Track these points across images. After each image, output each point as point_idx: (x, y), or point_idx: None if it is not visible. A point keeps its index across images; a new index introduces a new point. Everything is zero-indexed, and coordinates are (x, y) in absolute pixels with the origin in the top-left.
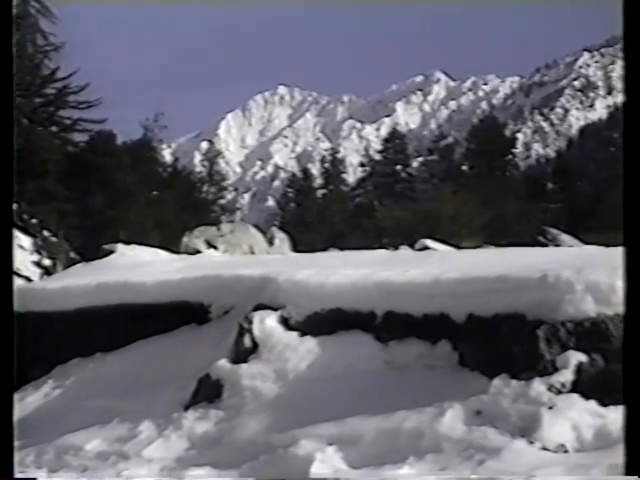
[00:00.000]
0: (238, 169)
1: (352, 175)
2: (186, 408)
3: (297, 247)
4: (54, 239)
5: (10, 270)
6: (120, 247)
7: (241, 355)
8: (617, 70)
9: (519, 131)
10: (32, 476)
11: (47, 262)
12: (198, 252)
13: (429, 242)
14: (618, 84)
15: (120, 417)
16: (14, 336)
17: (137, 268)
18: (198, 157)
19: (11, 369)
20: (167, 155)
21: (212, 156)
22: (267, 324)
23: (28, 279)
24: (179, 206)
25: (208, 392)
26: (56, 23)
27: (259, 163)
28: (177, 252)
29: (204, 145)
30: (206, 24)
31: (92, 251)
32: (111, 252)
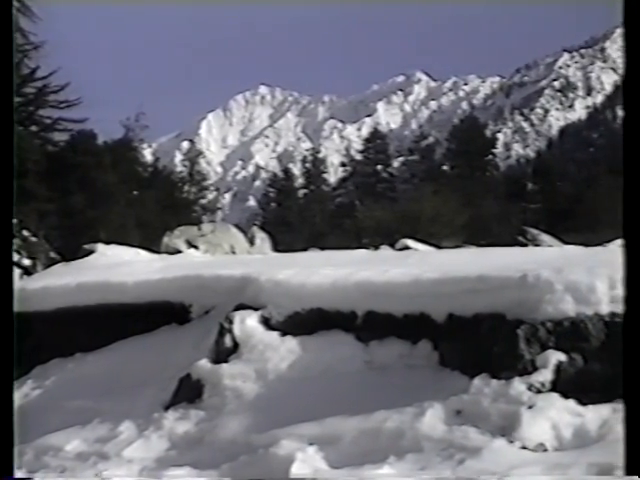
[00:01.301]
0: (219, 169)
1: (333, 175)
2: (166, 408)
3: (278, 247)
4: (34, 239)
5: (10, 270)
6: (100, 247)
7: (222, 355)
8: (596, 71)
9: (499, 131)
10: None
11: (27, 262)
12: (179, 252)
13: (409, 242)
14: (597, 85)
15: (100, 417)
16: (14, 337)
17: (117, 268)
18: (179, 157)
19: (11, 369)
20: (148, 155)
21: (193, 156)
22: (248, 324)
23: None
24: (160, 206)
25: (189, 392)
26: (36, 22)
27: (240, 163)
28: (158, 252)
29: (185, 145)
30: (187, 24)
31: (72, 251)
32: (91, 252)
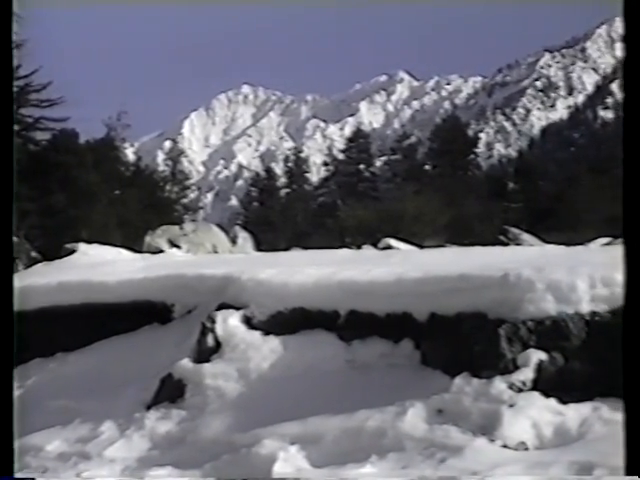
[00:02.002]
0: (201, 168)
1: (315, 174)
2: (148, 408)
3: (260, 246)
4: (15, 238)
5: (10, 270)
6: (82, 246)
7: (204, 354)
8: (577, 71)
9: (481, 131)
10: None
11: None
12: (161, 251)
13: (392, 241)
14: (578, 85)
15: (81, 417)
16: (14, 337)
17: (99, 267)
18: (161, 156)
19: (10, 370)
20: (130, 154)
21: (175, 155)
22: (230, 323)
23: None
24: (142, 205)
25: (170, 392)
26: (18, 22)
27: (222, 162)
28: (140, 251)
29: (167, 144)
30: (170, 23)
31: (54, 250)
32: (73, 251)
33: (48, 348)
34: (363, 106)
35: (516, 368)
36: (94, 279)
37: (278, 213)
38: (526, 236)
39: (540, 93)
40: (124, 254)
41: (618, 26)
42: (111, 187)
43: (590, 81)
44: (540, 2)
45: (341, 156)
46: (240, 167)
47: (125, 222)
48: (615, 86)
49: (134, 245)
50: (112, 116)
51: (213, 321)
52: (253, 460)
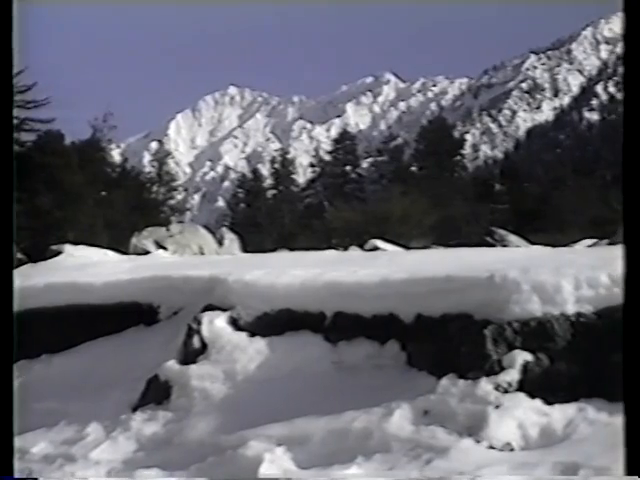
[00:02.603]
0: (188, 169)
1: (302, 176)
2: (134, 409)
3: (247, 248)
4: None
5: (10, 269)
6: (68, 248)
7: (190, 356)
8: (563, 72)
9: (467, 132)
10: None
11: None
12: (147, 253)
13: (378, 242)
14: (564, 86)
15: (67, 419)
16: (14, 337)
17: (85, 269)
18: (147, 157)
19: (10, 370)
20: (116, 155)
21: (161, 156)
22: (216, 325)
23: None
24: (128, 206)
25: (157, 393)
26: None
27: (209, 163)
28: (126, 253)
29: (154, 145)
30: (156, 24)
31: (39, 252)
32: (59, 253)
33: (33, 350)
34: (349, 107)
35: (502, 369)
36: (80, 280)
37: (265, 214)
38: (512, 237)
39: (526, 95)
40: (110, 255)
41: (603, 28)
42: (97, 188)
43: (575, 83)
44: (526, 3)
45: (328, 157)
46: (227, 168)
47: (111, 223)
48: (600, 88)
49: (120, 246)
50: (98, 117)
51: (199, 322)
52: (239, 462)
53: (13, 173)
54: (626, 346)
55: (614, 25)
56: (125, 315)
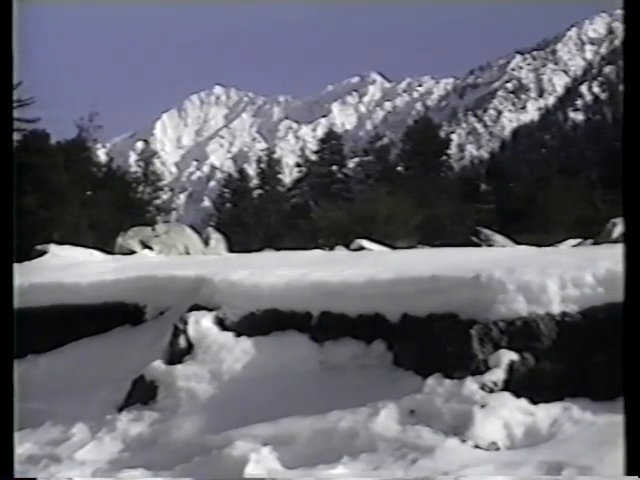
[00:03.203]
0: (174, 169)
1: (288, 176)
2: (120, 410)
3: (233, 248)
4: None
5: (10, 269)
6: (53, 248)
7: (176, 356)
8: (548, 73)
9: (453, 132)
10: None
11: None
12: (133, 253)
13: (364, 242)
14: (549, 87)
15: (52, 420)
16: (14, 336)
17: (71, 269)
18: (133, 157)
19: (11, 369)
20: (102, 155)
21: (147, 156)
22: (202, 325)
23: None
24: (114, 206)
25: (142, 393)
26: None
27: (195, 163)
28: (112, 253)
29: (139, 145)
30: (142, 23)
31: (24, 252)
32: (44, 253)
33: (19, 350)
34: (335, 107)
35: (487, 369)
36: (65, 280)
37: (251, 214)
38: (498, 237)
39: (511, 95)
40: (96, 255)
41: (588, 29)
42: (83, 188)
43: (560, 83)
44: (511, 4)
45: (314, 157)
46: (213, 168)
47: (97, 223)
48: (585, 88)
49: (106, 246)
50: (83, 117)
51: (185, 322)
52: (225, 462)
53: (13, 174)
54: (626, 346)
55: (598, 26)
56: (111, 315)
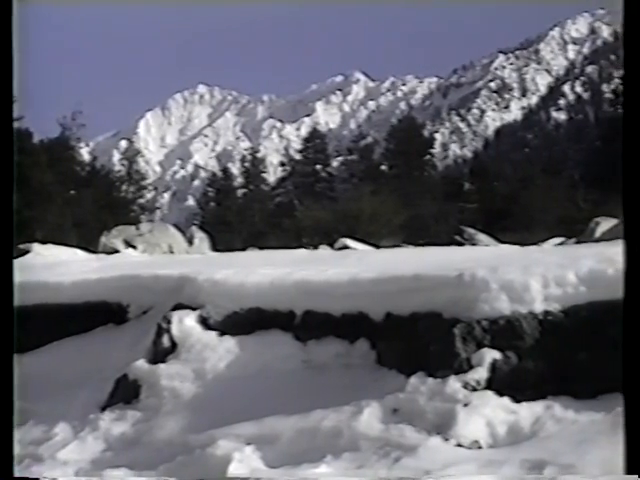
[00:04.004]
0: (158, 168)
1: (272, 174)
2: (103, 409)
3: (217, 247)
4: None
5: (10, 268)
6: (36, 247)
7: (159, 355)
8: (531, 72)
9: (437, 131)
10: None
11: None
12: (116, 252)
13: (348, 241)
14: (532, 86)
15: (35, 419)
16: (14, 335)
17: (54, 268)
18: (117, 156)
19: (10, 369)
20: (85, 154)
21: (131, 155)
22: (186, 324)
23: None
24: (97, 205)
25: (125, 393)
26: None
27: (179, 162)
28: (95, 252)
29: (123, 144)
30: (125, 22)
31: None
32: (27, 252)
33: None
34: (319, 106)
35: (470, 367)
36: (48, 280)
37: (235, 213)
38: (481, 236)
39: (494, 94)
40: (79, 254)
41: (570, 28)
42: (66, 187)
43: (543, 83)
44: (494, 3)
45: (298, 156)
46: (197, 167)
47: (80, 222)
48: (567, 88)
49: (89, 245)
50: (67, 115)
51: (169, 321)
52: (208, 461)
53: (13, 173)
54: (626, 345)
55: (581, 26)
56: (94, 314)
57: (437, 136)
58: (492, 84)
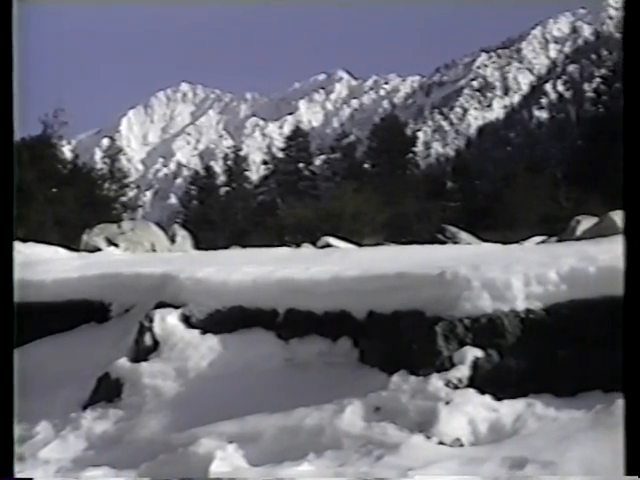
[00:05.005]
0: (140, 166)
1: (255, 173)
2: (84, 408)
3: (199, 245)
4: None
5: (10, 267)
6: (17, 245)
7: (142, 354)
8: (513, 71)
9: (419, 130)
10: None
11: None
12: (98, 250)
13: (331, 240)
14: (514, 85)
15: (16, 418)
16: (14, 338)
17: (35, 266)
18: (99, 154)
19: (10, 369)
20: (67, 152)
21: (113, 153)
22: (168, 322)
23: None
24: (79, 203)
25: (107, 391)
26: None
27: (161, 160)
28: (77, 250)
29: (105, 142)
30: (107, 20)
31: None
32: None
33: None
34: (302, 105)
35: (452, 365)
36: (30, 278)
37: (217, 211)
38: (463, 234)
39: (477, 93)
40: (61, 253)
41: (552, 27)
42: (48, 185)
43: (525, 81)
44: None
45: (281, 155)
46: (179, 165)
47: (62, 220)
48: (549, 86)
49: (71, 244)
50: (48, 113)
51: (151, 320)
52: (190, 459)
53: (13, 173)
54: (626, 345)
55: (562, 25)
56: (76, 313)
57: (420, 134)
58: (474, 83)
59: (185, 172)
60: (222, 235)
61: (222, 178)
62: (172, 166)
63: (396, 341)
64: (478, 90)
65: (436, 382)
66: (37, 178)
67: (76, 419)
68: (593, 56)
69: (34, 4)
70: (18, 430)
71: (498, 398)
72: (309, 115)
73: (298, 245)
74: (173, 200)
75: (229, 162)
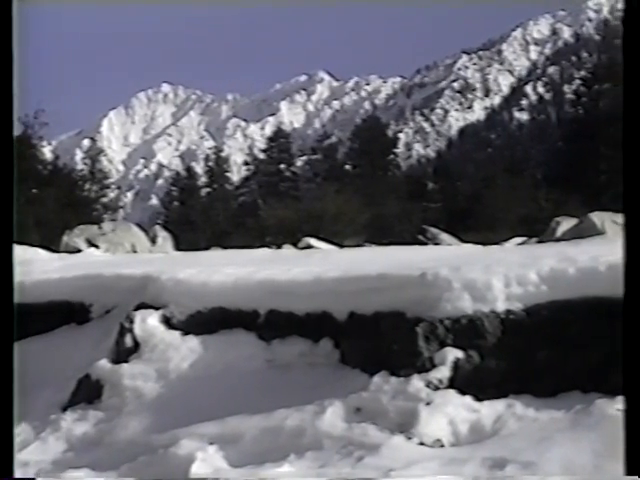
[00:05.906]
0: (121, 167)
1: (236, 174)
2: (64, 409)
3: (180, 246)
4: None
5: (10, 267)
6: None
7: (122, 355)
8: (493, 73)
9: (401, 131)
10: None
11: None
12: (79, 251)
13: (312, 241)
14: (494, 86)
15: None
16: (14, 337)
17: (15, 267)
18: (80, 155)
19: (10, 369)
20: (47, 152)
21: (94, 154)
22: (149, 323)
23: None
24: (60, 204)
25: (88, 393)
26: None
27: (142, 161)
28: (57, 251)
29: (86, 143)
30: (89, 20)
31: None
32: None
33: None
34: (284, 106)
35: (433, 366)
36: None
37: (199, 212)
38: (444, 236)
39: (458, 94)
40: (41, 254)
41: (532, 29)
42: (28, 186)
43: (506, 83)
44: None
45: (262, 155)
46: (160, 166)
47: (42, 221)
48: (529, 88)
49: (52, 245)
50: (29, 114)
51: (132, 321)
52: (171, 461)
53: (13, 173)
54: (626, 343)
55: (542, 27)
56: (56, 314)
57: (401, 136)
58: (455, 84)
59: (166, 173)
60: (203, 236)
61: (203, 179)
62: (153, 167)
63: (377, 342)
64: (459, 91)
65: (417, 383)
66: (17, 179)
67: (56, 421)
68: (573, 58)
69: (34, 4)
70: None
71: (478, 399)
72: (290, 116)
73: (279, 246)
74: (154, 201)
75: (210, 163)
